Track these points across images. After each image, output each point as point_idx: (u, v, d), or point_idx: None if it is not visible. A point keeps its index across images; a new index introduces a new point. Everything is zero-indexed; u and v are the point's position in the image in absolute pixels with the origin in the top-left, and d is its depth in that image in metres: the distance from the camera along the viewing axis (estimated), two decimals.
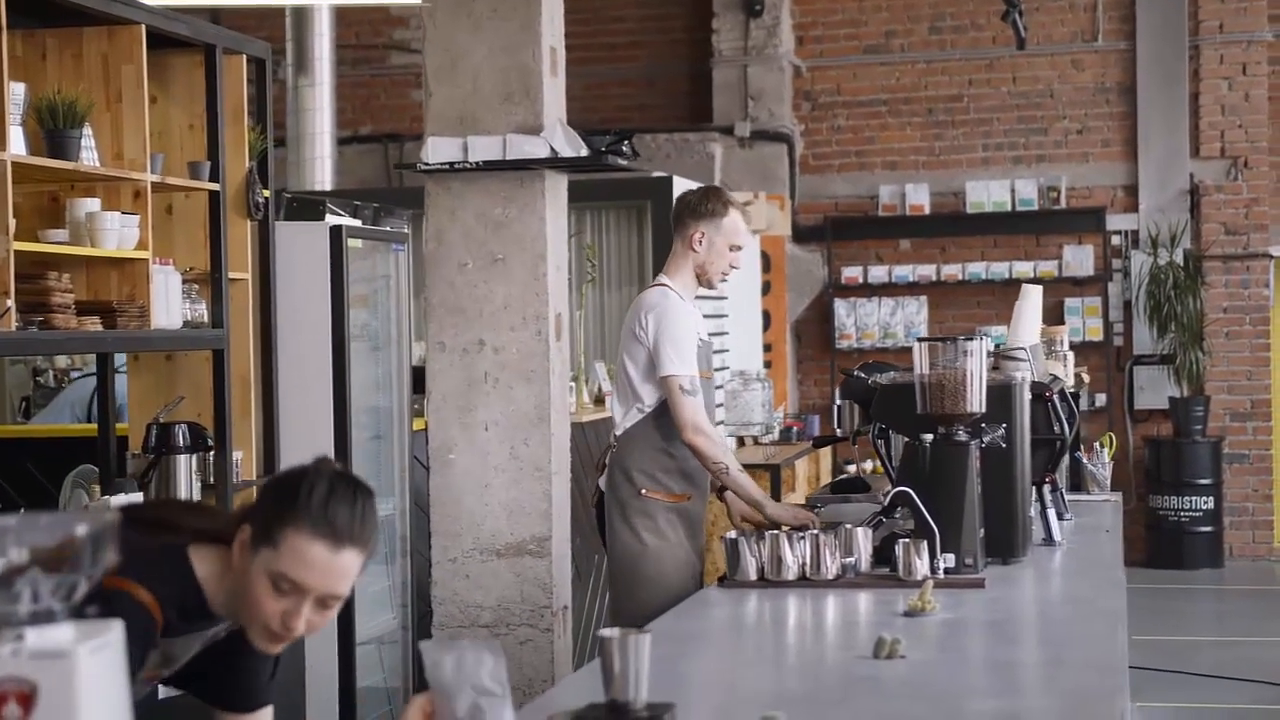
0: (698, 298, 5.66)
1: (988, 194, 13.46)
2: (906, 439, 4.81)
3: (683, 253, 5.57)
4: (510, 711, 2.48)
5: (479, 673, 2.47)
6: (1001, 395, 4.82)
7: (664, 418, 5.44)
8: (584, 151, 5.77)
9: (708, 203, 5.58)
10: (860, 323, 13.63)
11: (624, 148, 5.98)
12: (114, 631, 1.87)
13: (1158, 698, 8.65)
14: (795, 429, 11.31)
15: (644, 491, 5.49)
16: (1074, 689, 3.28)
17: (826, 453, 11.68)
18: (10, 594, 1.85)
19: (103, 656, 1.84)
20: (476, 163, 5.77)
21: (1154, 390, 13.29)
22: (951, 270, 13.51)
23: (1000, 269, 13.37)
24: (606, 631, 2.89)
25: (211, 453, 5.96)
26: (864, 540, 4.59)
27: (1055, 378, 5.89)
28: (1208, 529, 12.96)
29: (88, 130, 5.30)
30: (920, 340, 4.74)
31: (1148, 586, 12.12)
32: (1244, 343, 13.32)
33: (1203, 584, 12.60)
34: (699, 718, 3.13)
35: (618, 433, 5.58)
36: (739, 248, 5.59)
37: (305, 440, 6.58)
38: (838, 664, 3.64)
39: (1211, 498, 12.94)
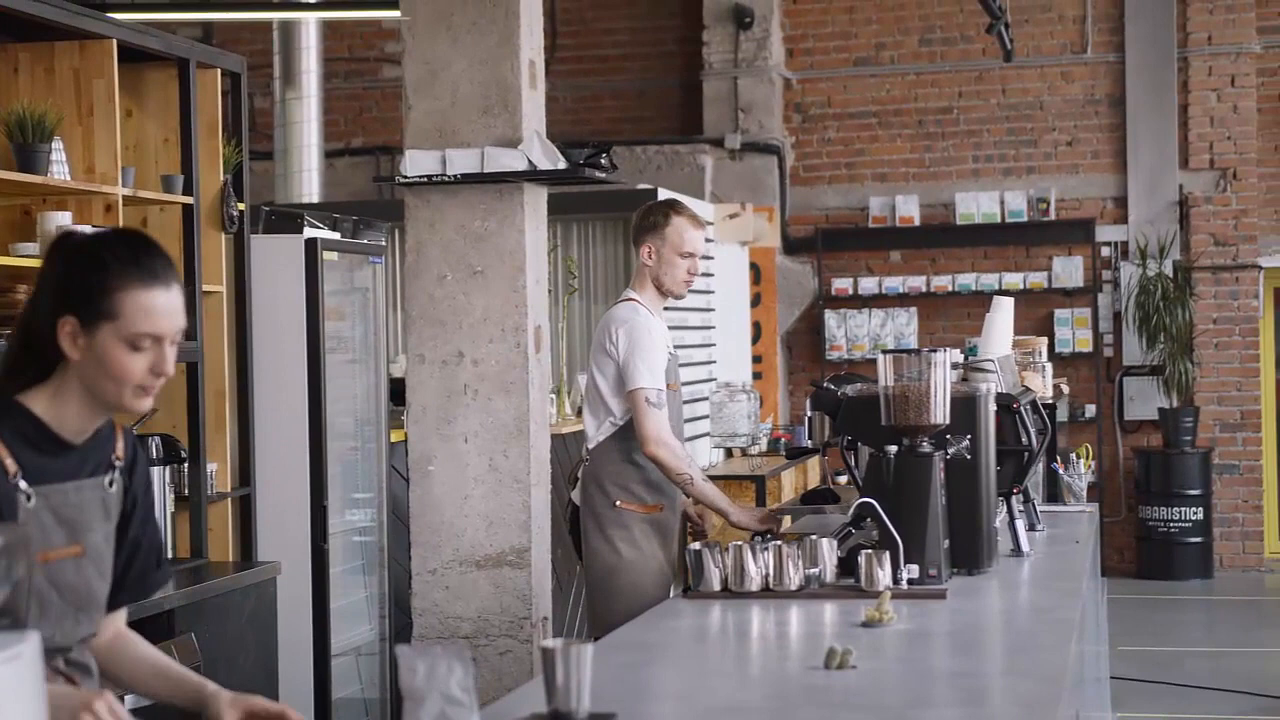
0: (666, 309, 5.70)
1: (977, 205, 13.46)
2: (872, 450, 4.83)
3: (640, 268, 5.64)
4: None
5: (449, 681, 2.49)
6: (966, 407, 4.82)
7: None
8: (561, 164, 5.78)
9: (650, 216, 5.65)
10: (851, 334, 13.63)
11: (602, 160, 6.00)
12: (28, 643, 1.89)
13: (1144, 708, 8.66)
14: (784, 440, 11.32)
15: (619, 503, 5.53)
16: (1018, 699, 3.29)
17: (815, 464, 11.69)
18: None
19: (13, 669, 1.85)
20: (455, 175, 5.78)
21: (1143, 401, 13.29)
22: (941, 281, 13.51)
23: (990, 280, 13.37)
24: (548, 642, 2.92)
25: (185, 465, 5.97)
26: (829, 551, 4.59)
27: (1027, 389, 5.89)
28: (1197, 539, 12.95)
29: (58, 144, 5.32)
30: (885, 352, 4.74)
31: (1137, 597, 12.13)
32: (1233, 354, 13.31)
33: (1192, 594, 12.59)
34: None
35: (590, 445, 5.62)
36: (690, 254, 5.62)
37: (281, 452, 6.60)
38: (789, 675, 3.65)
39: (1201, 508, 12.94)
